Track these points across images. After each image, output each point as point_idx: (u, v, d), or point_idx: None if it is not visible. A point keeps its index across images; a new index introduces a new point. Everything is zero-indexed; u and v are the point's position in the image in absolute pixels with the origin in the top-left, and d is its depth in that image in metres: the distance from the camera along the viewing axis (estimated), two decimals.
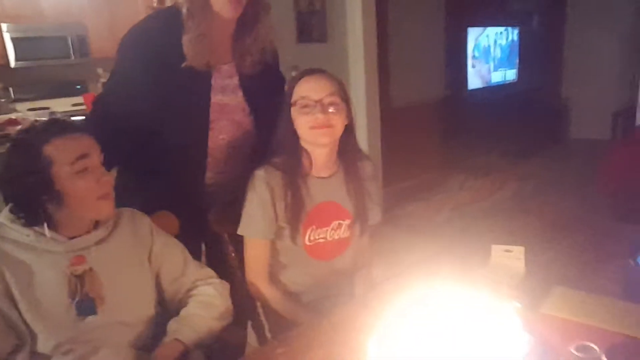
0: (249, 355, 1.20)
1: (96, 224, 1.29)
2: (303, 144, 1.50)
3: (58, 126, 1.22)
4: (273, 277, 1.59)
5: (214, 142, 1.58)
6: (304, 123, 1.45)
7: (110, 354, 1.24)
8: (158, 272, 1.38)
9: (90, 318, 1.22)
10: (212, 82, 1.54)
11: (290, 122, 1.47)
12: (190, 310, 1.35)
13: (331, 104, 1.44)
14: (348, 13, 3.86)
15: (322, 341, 1.17)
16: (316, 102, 1.43)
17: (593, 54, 5.98)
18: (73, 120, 1.32)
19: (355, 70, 3.90)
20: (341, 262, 1.63)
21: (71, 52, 3.98)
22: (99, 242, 1.27)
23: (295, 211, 1.50)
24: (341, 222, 1.59)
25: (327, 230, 1.57)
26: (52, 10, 3.87)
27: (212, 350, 1.54)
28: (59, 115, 3.43)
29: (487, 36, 5.30)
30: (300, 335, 1.22)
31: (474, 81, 5.12)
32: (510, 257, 1.44)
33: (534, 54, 5.91)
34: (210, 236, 1.60)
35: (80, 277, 1.22)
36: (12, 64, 3.74)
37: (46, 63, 3.94)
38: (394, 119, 4.21)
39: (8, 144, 1.25)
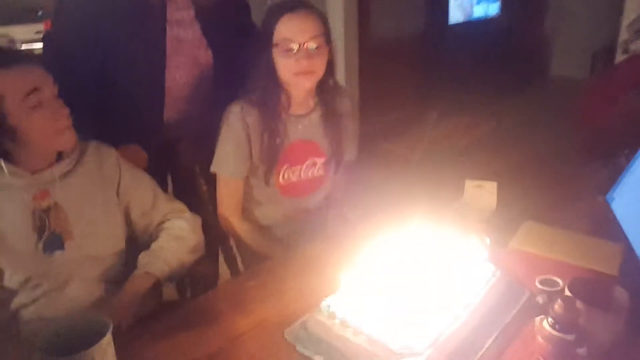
0: (221, 288, 1.20)
1: (59, 157, 1.24)
2: (282, 82, 1.44)
3: (2, 56, 1.14)
4: (245, 212, 1.57)
5: (171, 81, 1.52)
6: (286, 68, 1.39)
7: (80, 287, 1.24)
8: (127, 205, 1.35)
9: (58, 253, 1.20)
10: (167, 15, 1.46)
11: (269, 61, 1.40)
12: (161, 243, 1.33)
13: (315, 47, 1.37)
14: None
15: (295, 274, 1.19)
16: (299, 45, 1.36)
17: None
18: (18, 50, 1.22)
19: (334, 3, 3.75)
20: (314, 200, 1.63)
21: None
22: (63, 176, 1.23)
23: (271, 152, 1.47)
24: (316, 159, 1.56)
25: (300, 168, 1.55)
26: None
27: (184, 283, 1.56)
28: (7, 45, 3.21)
29: None
30: (273, 268, 1.23)
31: (455, 15, 4.99)
32: (483, 192, 1.46)
33: None
34: (179, 169, 1.57)
35: (45, 212, 1.19)
36: None
37: None
38: (372, 54, 4.10)
39: None
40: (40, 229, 1.18)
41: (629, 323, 0.94)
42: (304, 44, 1.36)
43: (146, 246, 1.34)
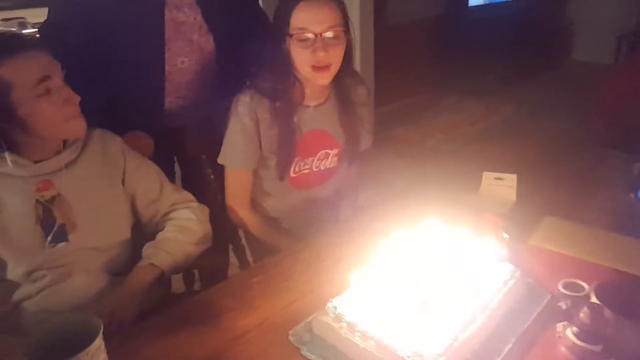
0: (224, 283, 1.16)
1: (63, 146, 1.20)
2: (297, 74, 1.38)
3: (8, 42, 1.10)
4: (254, 203, 1.53)
5: (171, 66, 1.48)
6: (303, 60, 1.32)
7: (83, 279, 1.21)
8: (133, 195, 1.31)
9: (61, 244, 1.18)
10: None
11: (284, 52, 1.34)
12: (167, 234, 1.30)
13: (332, 37, 1.30)
14: None
15: (301, 269, 1.14)
16: (316, 35, 1.29)
17: None
18: (24, 34, 1.17)
19: None
20: (325, 191, 1.58)
21: None
22: (67, 166, 1.20)
23: (283, 145, 1.41)
24: (328, 151, 1.50)
25: (313, 160, 1.49)
26: None
27: (191, 275, 1.53)
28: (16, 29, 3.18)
29: None
30: (279, 263, 1.19)
31: None
32: (502, 185, 1.39)
33: None
34: (186, 158, 1.53)
35: (48, 203, 1.16)
36: None
37: None
38: (388, 38, 4.02)
39: None
40: (43, 221, 1.16)
41: None
42: (320, 35, 1.29)
43: (152, 236, 1.31)
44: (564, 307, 0.89)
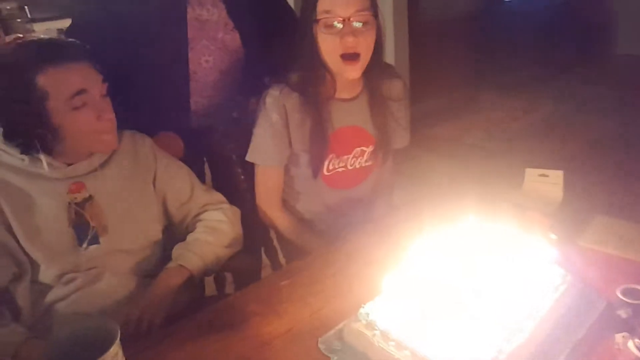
0: (252, 287, 1.13)
1: None
2: (326, 65, 1.32)
3: (53, 49, 1.09)
4: (285, 204, 1.49)
5: (196, 65, 1.46)
6: (331, 48, 1.27)
7: (113, 281, 1.21)
8: (164, 196, 1.31)
9: (93, 247, 1.17)
10: None
11: (312, 39, 1.29)
12: (197, 235, 1.29)
13: (362, 21, 1.24)
14: None
15: (331, 273, 1.10)
16: (343, 20, 1.23)
17: None
18: (70, 41, 1.17)
19: None
20: (361, 191, 1.52)
21: None
22: (98, 168, 1.20)
23: (315, 141, 1.36)
24: (364, 148, 1.45)
25: (348, 158, 1.44)
26: None
27: (223, 278, 1.50)
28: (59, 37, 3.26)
29: None
30: (309, 265, 1.15)
31: None
32: (547, 182, 1.32)
33: None
34: (216, 158, 1.50)
35: (80, 205, 1.16)
36: None
37: None
38: (423, 33, 3.94)
39: None
40: (76, 223, 1.16)
41: None
42: (348, 19, 1.23)
43: (183, 238, 1.30)
44: (623, 315, 0.80)
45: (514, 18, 4.67)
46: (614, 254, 1.09)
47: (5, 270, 1.11)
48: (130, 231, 1.23)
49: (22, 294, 1.13)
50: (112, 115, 1.15)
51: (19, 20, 3.62)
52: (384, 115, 1.44)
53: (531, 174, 1.33)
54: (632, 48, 5.67)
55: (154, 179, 1.28)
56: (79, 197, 1.16)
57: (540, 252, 0.96)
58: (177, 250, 1.26)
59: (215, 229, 1.29)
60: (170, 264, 1.23)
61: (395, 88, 1.46)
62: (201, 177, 1.55)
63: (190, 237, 1.28)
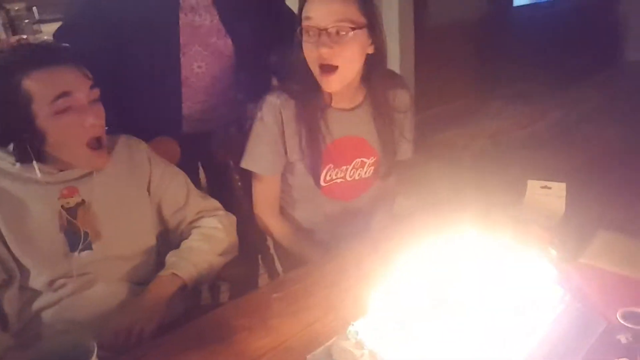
0: (242, 299, 1.11)
1: None
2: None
3: (39, 52, 1.08)
4: (283, 212, 1.48)
5: (188, 71, 1.45)
6: (310, 57, 1.23)
7: (105, 289, 1.19)
8: (159, 202, 1.29)
9: (85, 253, 1.16)
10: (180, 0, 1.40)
11: (299, 47, 1.25)
12: (192, 243, 1.27)
13: (340, 33, 1.18)
14: None
15: (324, 285, 1.08)
16: (320, 30, 1.19)
17: None
18: (62, 46, 1.16)
19: None
20: (360, 203, 1.49)
21: None
22: (91, 173, 1.18)
23: (311, 150, 1.34)
24: (364, 160, 1.42)
25: (347, 169, 1.41)
26: None
27: (218, 286, 1.48)
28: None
29: None
30: (303, 277, 1.13)
31: None
32: (549, 195, 1.29)
33: None
34: (212, 164, 1.50)
35: (72, 210, 1.15)
36: None
37: None
38: (429, 40, 3.93)
39: None
40: (67, 229, 1.14)
41: None
42: (325, 29, 1.18)
43: (178, 244, 1.28)
44: (623, 341, 0.77)
45: (523, 24, 4.64)
46: (616, 271, 1.05)
47: None
48: (124, 237, 1.21)
49: (9, 301, 1.12)
50: (100, 122, 1.12)
51: (26, 21, 3.63)
52: (388, 126, 1.40)
53: (533, 185, 1.30)
54: (638, 55, 5.65)
55: (149, 184, 1.27)
56: (72, 201, 1.15)
57: (538, 269, 0.93)
58: (171, 257, 1.24)
59: (210, 236, 1.28)
60: (163, 272, 1.20)
61: (401, 99, 1.43)
62: (196, 184, 1.51)
63: (184, 245, 1.27)
